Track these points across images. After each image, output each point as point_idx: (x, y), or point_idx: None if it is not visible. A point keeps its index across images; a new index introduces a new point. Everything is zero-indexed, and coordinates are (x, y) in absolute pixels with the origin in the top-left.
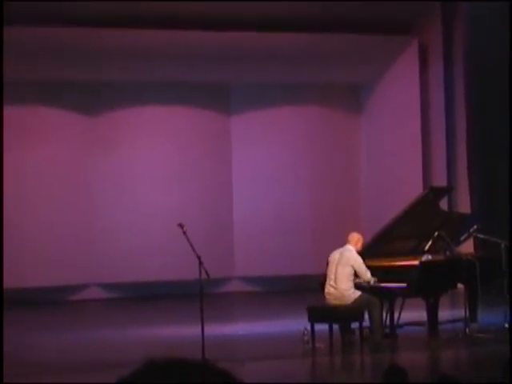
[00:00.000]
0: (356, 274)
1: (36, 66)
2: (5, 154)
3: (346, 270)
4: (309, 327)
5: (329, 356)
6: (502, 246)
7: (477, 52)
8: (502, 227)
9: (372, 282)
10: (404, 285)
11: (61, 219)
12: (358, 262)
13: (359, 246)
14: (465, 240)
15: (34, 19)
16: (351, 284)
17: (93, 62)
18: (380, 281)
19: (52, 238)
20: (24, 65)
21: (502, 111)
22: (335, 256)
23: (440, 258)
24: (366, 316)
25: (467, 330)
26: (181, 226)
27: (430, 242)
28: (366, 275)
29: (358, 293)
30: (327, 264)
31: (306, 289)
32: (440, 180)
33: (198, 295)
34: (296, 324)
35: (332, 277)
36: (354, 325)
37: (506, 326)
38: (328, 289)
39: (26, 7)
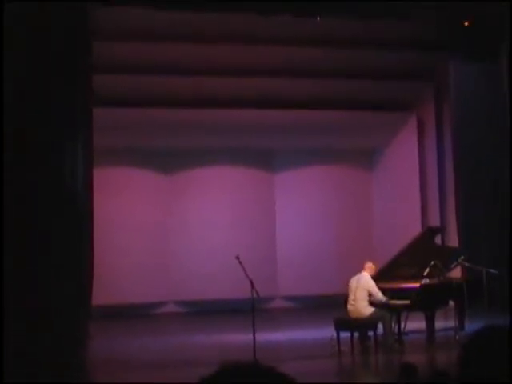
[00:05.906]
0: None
1: (126, 137)
2: (106, 203)
3: (362, 293)
4: (335, 334)
5: (351, 356)
6: (483, 271)
7: (461, 125)
8: (482, 257)
9: (384, 300)
10: (408, 302)
11: (147, 255)
12: (372, 287)
13: (372, 271)
14: (454, 267)
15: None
16: (367, 303)
17: (171, 133)
18: (389, 299)
19: (140, 267)
20: (117, 136)
21: (480, 172)
22: (353, 282)
23: (435, 281)
24: (380, 326)
25: (457, 337)
26: (237, 257)
27: (427, 269)
28: (378, 295)
29: (372, 309)
30: (348, 287)
31: (332, 305)
32: (435, 221)
33: (250, 310)
34: (325, 332)
35: (352, 297)
36: (370, 333)
37: None
38: (349, 306)
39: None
